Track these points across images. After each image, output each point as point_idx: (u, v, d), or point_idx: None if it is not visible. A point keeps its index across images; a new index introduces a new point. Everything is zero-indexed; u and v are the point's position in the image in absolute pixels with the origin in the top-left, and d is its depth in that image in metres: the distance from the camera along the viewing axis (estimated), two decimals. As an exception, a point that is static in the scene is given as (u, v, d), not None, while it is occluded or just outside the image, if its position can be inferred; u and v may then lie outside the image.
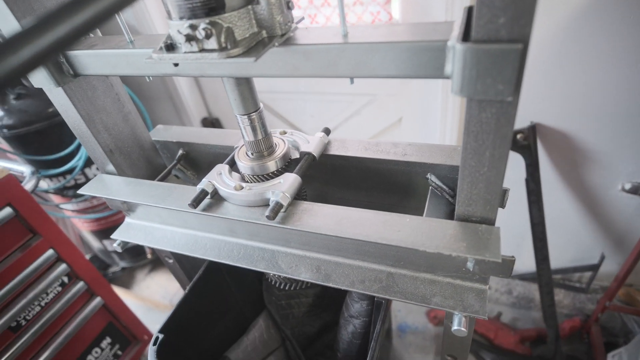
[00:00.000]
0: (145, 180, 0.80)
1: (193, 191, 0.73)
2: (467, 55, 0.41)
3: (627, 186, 1.30)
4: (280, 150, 0.71)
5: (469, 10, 0.47)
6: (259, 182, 0.70)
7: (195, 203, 0.67)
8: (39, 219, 1.17)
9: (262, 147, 0.69)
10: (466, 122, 0.47)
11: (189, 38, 0.48)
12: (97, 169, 1.59)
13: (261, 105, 0.66)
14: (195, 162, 0.96)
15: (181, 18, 0.50)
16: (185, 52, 0.50)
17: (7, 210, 1.08)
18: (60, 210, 1.72)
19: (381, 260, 0.66)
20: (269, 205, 0.64)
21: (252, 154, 0.70)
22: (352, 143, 0.78)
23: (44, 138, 1.44)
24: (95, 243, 1.95)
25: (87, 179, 1.58)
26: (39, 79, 0.69)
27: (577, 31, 1.14)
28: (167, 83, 1.88)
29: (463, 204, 0.56)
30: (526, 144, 1.23)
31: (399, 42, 0.46)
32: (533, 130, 1.25)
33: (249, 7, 0.51)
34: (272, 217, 0.61)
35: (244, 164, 0.70)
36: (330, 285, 0.68)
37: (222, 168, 0.72)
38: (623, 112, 1.21)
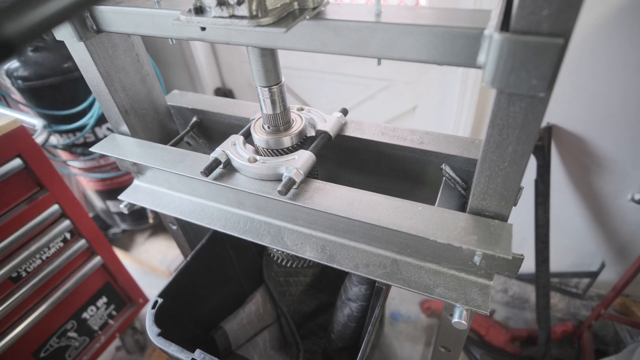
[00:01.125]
0: (157, 144, 0.80)
1: (205, 159, 0.73)
2: (504, 46, 0.39)
3: (637, 197, 1.29)
4: (296, 127, 0.70)
5: (509, 0, 0.46)
6: (273, 156, 0.70)
7: (207, 171, 0.67)
8: (47, 173, 1.17)
9: (280, 121, 0.69)
10: (492, 114, 0.46)
11: (220, 2, 0.47)
12: (110, 129, 1.59)
13: (283, 79, 0.65)
14: (208, 131, 0.95)
15: (211, -20, 0.49)
16: (214, 17, 0.49)
17: (17, 162, 1.08)
18: (67, 167, 1.72)
19: (387, 246, 0.66)
20: (281, 180, 0.64)
21: (268, 127, 0.70)
22: (369, 126, 0.77)
23: (57, 93, 1.43)
24: (98, 203, 1.97)
25: (97, 138, 1.58)
26: (62, 32, 0.69)
27: (607, 35, 1.10)
28: (184, 50, 1.86)
29: (478, 197, 0.55)
30: (540, 144, 1.22)
31: (434, 25, 0.45)
32: (549, 131, 1.24)
33: (283, -25, 0.49)
34: (284, 192, 0.61)
35: (260, 136, 0.70)
36: (335, 266, 0.68)
37: (237, 139, 0.72)
38: (636, 122, 1.19)
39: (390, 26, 0.47)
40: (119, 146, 0.81)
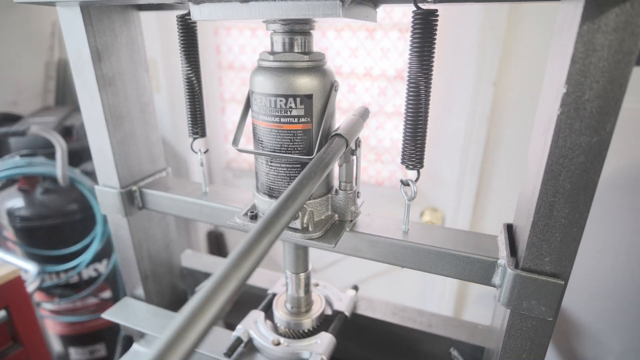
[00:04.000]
0: (172, 313, 0.81)
1: (224, 334, 0.74)
2: (516, 280, 0.49)
3: (617, 367, 1.34)
4: (317, 309, 0.75)
5: (509, 228, 0.58)
6: (293, 337, 0.72)
7: (230, 352, 0.68)
8: (29, 326, 1.10)
9: (302, 303, 0.73)
10: (508, 326, 0.54)
11: (279, 218, 0.57)
12: (97, 270, 1.54)
13: (310, 267, 0.72)
14: (216, 294, 0.97)
15: (269, 197, 0.60)
16: (269, 225, 0.58)
17: (1, 314, 1.03)
18: (38, 309, 1.60)
19: None
20: (302, 364, 0.66)
21: (291, 307, 0.74)
22: (379, 305, 0.83)
23: (54, 234, 1.44)
24: (57, 347, 1.77)
25: (81, 279, 1.53)
26: (109, 207, 0.76)
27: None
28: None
29: (496, 397, 0.59)
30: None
31: (456, 251, 0.55)
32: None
33: (329, 195, 0.61)
34: (310, 382, 0.62)
35: (282, 316, 0.73)
36: None
37: (258, 315, 0.74)
38: (613, 294, 1.32)
39: (418, 246, 0.57)
40: (134, 314, 0.81)
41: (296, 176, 0.57)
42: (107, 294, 1.61)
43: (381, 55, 1.45)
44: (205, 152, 0.72)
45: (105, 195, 0.75)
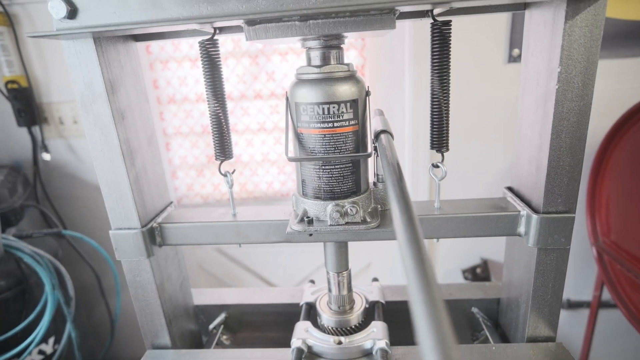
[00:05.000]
0: (212, 350, 0.77)
1: (275, 354, 0.73)
2: (542, 222, 0.63)
3: (555, 304, 1.63)
4: (359, 304, 0.79)
5: (510, 189, 0.73)
6: (346, 334, 0.75)
7: (297, 365, 0.68)
8: None
9: (346, 300, 0.77)
10: (537, 263, 0.67)
11: (342, 214, 0.62)
12: (43, 351, 1.27)
13: (350, 266, 0.77)
14: (233, 324, 0.94)
15: (323, 199, 0.64)
16: (331, 225, 0.63)
17: None
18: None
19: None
20: (366, 355, 0.70)
21: (338, 307, 0.77)
22: (400, 289, 0.91)
23: (-18, 321, 1.18)
24: None
25: (25, 369, 1.27)
26: (127, 251, 0.70)
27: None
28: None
29: (532, 327, 0.71)
30: (483, 275, 1.51)
31: (486, 213, 0.67)
32: (485, 264, 1.56)
33: (371, 188, 0.68)
34: (386, 364, 0.66)
35: (330, 317, 0.76)
36: None
37: (307, 325, 0.76)
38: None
39: (456, 217, 0.67)
40: (169, 362, 0.74)
41: (348, 174, 0.63)
42: (59, 378, 1.36)
43: (267, 78, 1.58)
44: (232, 172, 0.73)
45: (124, 239, 0.69)
